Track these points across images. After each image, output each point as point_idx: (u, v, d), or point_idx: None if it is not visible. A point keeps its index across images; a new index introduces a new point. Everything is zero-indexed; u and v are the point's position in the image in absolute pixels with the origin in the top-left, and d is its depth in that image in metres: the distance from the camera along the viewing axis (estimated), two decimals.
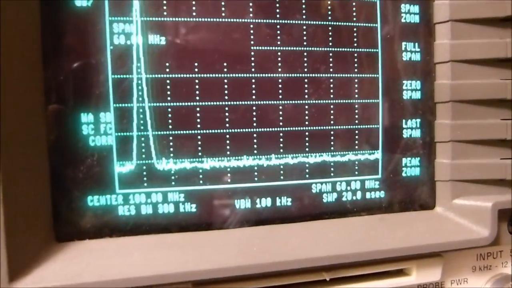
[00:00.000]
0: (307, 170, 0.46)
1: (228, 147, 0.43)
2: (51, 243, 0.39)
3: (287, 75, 0.44)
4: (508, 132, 0.46)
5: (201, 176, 0.43)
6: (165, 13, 0.41)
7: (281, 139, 0.45)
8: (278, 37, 0.44)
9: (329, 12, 0.45)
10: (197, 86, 0.42)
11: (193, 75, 0.42)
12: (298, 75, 0.45)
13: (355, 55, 0.46)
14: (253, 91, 0.44)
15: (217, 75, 0.43)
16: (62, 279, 0.36)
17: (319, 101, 0.45)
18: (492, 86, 0.46)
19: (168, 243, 0.41)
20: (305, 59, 0.45)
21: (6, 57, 0.35)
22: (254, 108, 0.44)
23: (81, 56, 0.40)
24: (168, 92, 0.42)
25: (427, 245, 0.44)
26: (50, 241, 0.39)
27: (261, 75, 0.44)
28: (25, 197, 0.37)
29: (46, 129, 0.39)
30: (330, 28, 0.45)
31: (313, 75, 0.45)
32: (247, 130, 0.44)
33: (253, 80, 0.44)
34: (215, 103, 0.43)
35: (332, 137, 0.46)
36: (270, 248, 0.41)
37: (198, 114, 0.42)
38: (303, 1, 0.44)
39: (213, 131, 0.43)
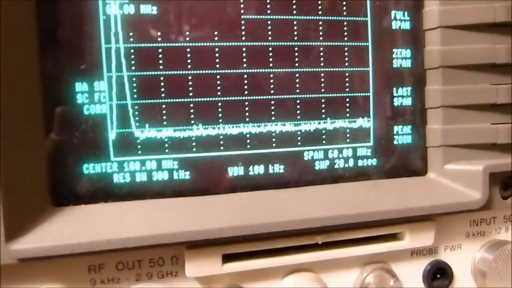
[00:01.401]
0: (299, 138, 0.46)
1: (220, 114, 0.44)
2: (48, 207, 0.40)
3: (277, 43, 0.45)
4: (498, 96, 0.47)
5: (194, 143, 0.44)
6: None
7: (273, 107, 0.45)
8: (268, 6, 0.45)
9: None
10: (188, 55, 0.43)
11: (184, 44, 0.43)
12: (288, 43, 0.45)
13: (345, 23, 0.47)
14: (244, 59, 0.44)
15: (208, 44, 0.43)
16: (58, 239, 0.36)
17: (309, 69, 0.46)
18: (481, 50, 0.46)
19: (162, 207, 0.42)
20: (295, 27, 0.45)
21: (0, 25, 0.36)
22: (245, 76, 0.44)
23: (74, 24, 0.41)
24: (160, 61, 0.42)
25: (419, 208, 0.44)
26: (46, 205, 0.40)
27: (251, 43, 0.44)
28: (22, 162, 0.38)
29: (42, 97, 0.40)
30: None
31: (303, 43, 0.46)
32: (238, 98, 0.44)
33: (244, 49, 0.44)
34: (206, 71, 0.43)
35: (323, 105, 0.47)
36: (264, 211, 0.42)
37: (190, 82, 0.43)
38: None
39: (205, 99, 0.44)
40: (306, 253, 0.43)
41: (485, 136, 0.47)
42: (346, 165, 0.48)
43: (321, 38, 0.46)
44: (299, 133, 0.46)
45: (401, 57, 0.49)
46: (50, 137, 0.41)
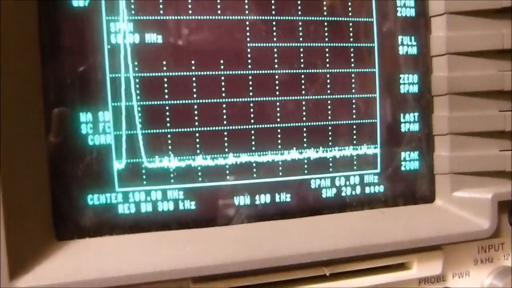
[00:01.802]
0: (305, 166, 0.46)
1: (226, 144, 0.44)
2: (52, 241, 0.39)
3: (284, 71, 0.45)
4: (506, 123, 0.46)
5: (200, 173, 0.43)
6: (161, 12, 0.42)
7: (279, 135, 0.45)
8: (274, 33, 0.44)
9: (325, 7, 0.45)
10: (194, 84, 0.42)
11: (190, 73, 0.42)
12: (295, 71, 0.45)
13: (352, 50, 0.46)
14: (250, 88, 0.44)
15: (214, 72, 0.43)
16: (63, 277, 0.36)
17: (316, 97, 0.46)
18: (489, 77, 0.46)
19: (168, 239, 0.41)
20: (302, 54, 0.45)
21: (5, 57, 0.36)
22: (251, 104, 0.44)
23: (79, 55, 0.40)
24: (166, 90, 0.42)
25: (427, 238, 0.44)
26: (50, 239, 0.39)
27: (258, 71, 0.44)
28: (25, 196, 0.37)
29: (45, 128, 0.39)
30: (326, 23, 0.45)
31: (310, 70, 0.45)
32: (245, 126, 0.44)
33: (250, 77, 0.44)
34: (212, 100, 0.43)
35: (330, 132, 0.46)
36: (270, 244, 0.41)
37: (195, 112, 0.43)
38: None
39: (211, 128, 0.43)
40: (314, 284, 0.43)
41: (493, 163, 0.47)
42: (353, 193, 0.47)
43: (327, 65, 0.46)
44: (305, 161, 0.46)
45: (408, 83, 0.48)
46: (54, 168, 0.40)
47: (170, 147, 0.42)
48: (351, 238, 0.42)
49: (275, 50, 0.44)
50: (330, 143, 0.46)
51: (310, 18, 0.45)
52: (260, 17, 0.44)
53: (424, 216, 0.47)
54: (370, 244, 0.42)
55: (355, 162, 0.47)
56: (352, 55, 0.46)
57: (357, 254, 0.42)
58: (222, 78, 0.43)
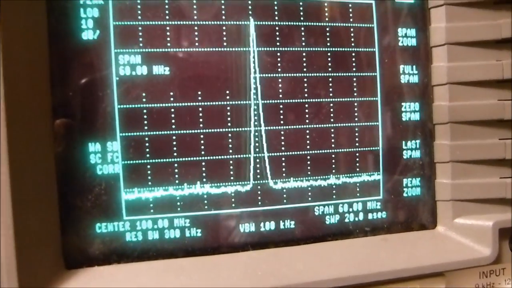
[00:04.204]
0: (309, 193, 0.47)
1: (231, 172, 0.44)
2: (61, 270, 0.40)
3: (288, 101, 0.45)
4: (506, 151, 0.47)
5: (205, 201, 0.44)
6: (168, 44, 0.43)
7: (283, 163, 0.46)
8: (279, 64, 0.45)
9: (328, 39, 0.46)
10: (200, 114, 0.43)
11: (197, 104, 0.43)
12: (298, 100, 0.46)
13: (354, 79, 0.47)
14: (255, 117, 0.45)
15: (219, 102, 0.44)
16: None
17: (320, 125, 0.46)
18: (489, 106, 0.47)
19: (174, 268, 0.42)
20: (305, 84, 0.46)
21: (15, 90, 0.36)
22: (256, 134, 0.45)
23: (88, 87, 0.41)
24: (172, 121, 0.43)
25: (429, 266, 0.44)
26: (59, 268, 0.40)
27: (262, 101, 0.45)
28: (35, 226, 0.38)
29: (55, 159, 0.40)
30: (329, 53, 0.46)
31: (313, 100, 0.46)
32: (249, 155, 0.45)
33: (255, 107, 0.45)
34: (217, 130, 0.44)
35: (333, 160, 0.47)
36: (275, 272, 0.42)
37: (202, 141, 0.44)
38: (302, 29, 0.46)
39: (216, 157, 0.44)
40: None
41: (493, 190, 0.47)
42: (356, 219, 0.48)
43: (331, 94, 0.47)
44: (309, 188, 0.47)
45: (410, 111, 0.49)
46: (63, 197, 0.41)
47: (176, 176, 0.43)
48: (354, 266, 0.43)
49: (280, 80, 0.45)
50: (333, 171, 0.47)
51: (313, 49, 0.46)
52: (265, 49, 0.45)
53: (426, 243, 0.47)
54: (373, 273, 0.43)
55: (357, 189, 0.48)
56: (355, 84, 0.47)
57: (361, 282, 0.42)
58: (228, 108, 0.44)
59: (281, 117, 0.45)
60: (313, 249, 0.45)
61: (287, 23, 0.45)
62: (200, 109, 0.43)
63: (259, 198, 0.45)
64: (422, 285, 0.46)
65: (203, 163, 0.44)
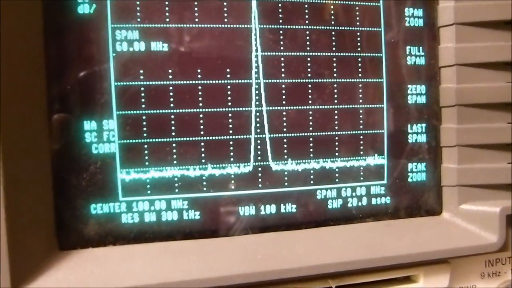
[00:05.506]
0: (311, 176, 0.45)
1: (231, 153, 0.43)
2: (54, 252, 0.39)
3: (291, 80, 0.44)
4: None
5: (204, 183, 0.43)
6: (167, 20, 0.41)
7: (285, 145, 0.44)
8: (281, 43, 0.44)
9: (332, 17, 0.45)
10: (200, 93, 0.42)
11: (196, 82, 0.42)
12: (301, 80, 0.44)
13: (359, 60, 0.46)
14: (256, 97, 0.43)
15: (220, 81, 0.42)
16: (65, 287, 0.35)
17: (323, 107, 0.45)
18: (498, 89, 0.46)
19: (172, 250, 0.40)
20: (309, 64, 0.44)
21: (9, 65, 0.35)
22: (257, 114, 0.43)
23: (84, 63, 0.40)
24: (171, 99, 0.41)
25: (434, 252, 0.43)
26: (53, 249, 0.39)
27: (264, 80, 0.43)
28: (28, 205, 0.37)
29: (49, 137, 0.39)
30: (333, 33, 0.45)
31: (317, 80, 0.45)
32: (250, 136, 0.43)
33: (256, 86, 0.43)
34: (217, 109, 0.42)
35: (336, 143, 0.46)
36: (275, 256, 0.41)
37: (201, 121, 0.42)
38: (306, 6, 0.44)
39: (216, 137, 0.43)
40: None
41: (501, 176, 0.46)
42: (360, 204, 0.47)
43: (335, 75, 0.45)
44: (311, 171, 0.45)
45: (416, 93, 0.48)
46: (58, 176, 0.40)
47: (174, 156, 0.42)
48: (357, 251, 0.42)
49: (282, 59, 0.44)
50: (336, 154, 0.46)
51: (317, 28, 0.44)
52: (267, 26, 0.43)
53: (431, 229, 0.46)
54: (376, 257, 0.41)
55: (361, 173, 0.47)
56: (359, 65, 0.46)
57: (363, 267, 0.41)
58: (228, 87, 0.43)
59: (283, 97, 0.44)
60: (314, 234, 0.44)
61: (290, 0, 0.44)
62: (200, 87, 0.42)
63: (260, 180, 0.44)
64: (427, 272, 0.45)
65: (202, 143, 0.42)
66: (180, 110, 0.42)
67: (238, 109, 0.43)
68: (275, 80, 0.44)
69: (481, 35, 0.46)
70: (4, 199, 0.35)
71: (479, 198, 0.46)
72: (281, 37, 0.44)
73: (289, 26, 0.44)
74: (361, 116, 0.46)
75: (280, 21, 0.44)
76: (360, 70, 0.46)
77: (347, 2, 0.45)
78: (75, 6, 0.39)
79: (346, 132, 0.46)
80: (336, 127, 0.46)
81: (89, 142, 0.40)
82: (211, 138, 0.42)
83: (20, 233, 0.36)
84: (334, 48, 0.45)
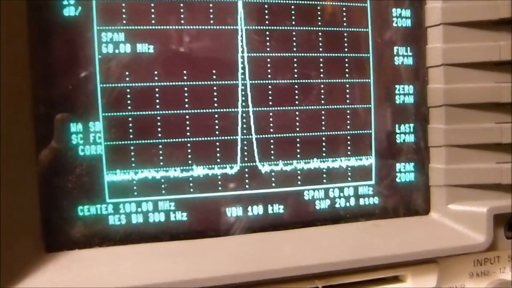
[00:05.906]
0: (299, 177, 0.45)
1: (218, 154, 0.43)
2: (41, 254, 0.39)
3: (277, 81, 0.44)
4: (503, 135, 0.46)
5: (191, 184, 0.43)
6: (153, 21, 0.41)
7: (272, 146, 0.44)
8: (268, 44, 0.44)
9: (319, 18, 0.45)
10: (186, 94, 0.42)
11: (182, 83, 0.42)
12: (288, 81, 0.44)
13: (346, 60, 0.46)
14: (243, 98, 0.43)
15: (206, 82, 0.42)
16: None
17: (310, 107, 0.45)
18: (485, 89, 0.45)
19: (159, 252, 0.41)
20: (295, 65, 0.44)
21: None
22: (243, 115, 0.43)
23: (69, 65, 0.40)
24: (157, 101, 0.41)
25: (422, 252, 0.43)
26: (39, 251, 0.39)
27: (250, 81, 0.43)
28: (14, 208, 0.37)
29: (35, 139, 0.39)
30: (320, 34, 0.45)
31: (304, 81, 0.45)
32: (236, 137, 0.43)
33: (242, 87, 0.43)
34: (203, 110, 0.43)
35: (324, 143, 0.46)
36: (262, 256, 0.41)
37: (187, 122, 0.42)
38: (293, 7, 0.44)
39: (202, 138, 0.43)
40: None
41: (489, 176, 0.46)
42: (347, 204, 0.47)
43: (322, 75, 0.45)
44: (299, 172, 0.45)
45: (404, 93, 0.48)
46: (44, 179, 0.40)
47: (161, 157, 0.42)
48: (344, 251, 0.42)
49: (268, 60, 0.44)
50: (324, 154, 0.46)
51: (304, 28, 0.44)
52: (254, 27, 0.43)
53: (419, 229, 0.46)
54: (364, 258, 0.41)
55: (349, 173, 0.47)
56: (346, 65, 0.46)
57: (351, 268, 0.41)
58: (214, 88, 0.43)
59: (270, 98, 0.44)
60: (302, 234, 0.44)
61: (276, 1, 0.44)
62: (186, 88, 0.42)
63: (247, 181, 0.44)
64: (415, 272, 0.45)
65: (189, 145, 0.42)
66: (166, 112, 0.42)
67: (225, 110, 0.43)
68: (261, 81, 0.44)
69: (468, 35, 0.45)
70: None
71: (467, 198, 0.46)
72: (268, 38, 0.44)
73: (275, 27, 0.44)
74: (348, 117, 0.46)
75: (267, 22, 0.44)
76: (347, 70, 0.46)
77: (334, 3, 0.45)
78: (60, 9, 0.39)
79: (334, 133, 0.46)
80: (324, 128, 0.46)
81: (76, 144, 0.40)
82: (197, 139, 0.42)
83: (6, 235, 0.36)
84: (321, 49, 0.45)
